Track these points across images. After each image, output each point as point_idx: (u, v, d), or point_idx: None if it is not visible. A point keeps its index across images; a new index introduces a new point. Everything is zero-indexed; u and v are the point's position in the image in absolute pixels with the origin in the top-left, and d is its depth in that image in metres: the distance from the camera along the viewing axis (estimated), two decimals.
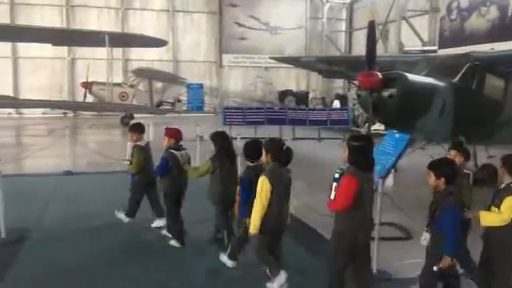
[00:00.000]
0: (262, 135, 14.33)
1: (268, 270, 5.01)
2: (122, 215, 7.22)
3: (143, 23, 30.63)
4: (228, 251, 5.62)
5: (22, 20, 27.94)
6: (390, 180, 8.22)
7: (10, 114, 27.84)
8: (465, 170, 5.19)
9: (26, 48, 28.06)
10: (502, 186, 4.57)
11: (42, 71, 29.55)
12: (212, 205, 6.23)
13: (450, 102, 8.50)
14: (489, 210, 4.56)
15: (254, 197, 4.83)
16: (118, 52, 28.65)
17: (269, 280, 4.98)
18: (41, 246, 6.39)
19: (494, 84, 9.16)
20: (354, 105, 21.72)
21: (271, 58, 23.89)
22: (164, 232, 6.73)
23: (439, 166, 4.35)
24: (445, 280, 4.46)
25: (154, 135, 11.38)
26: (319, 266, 5.00)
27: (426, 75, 8.95)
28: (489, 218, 4.49)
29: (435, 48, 22.79)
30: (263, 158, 4.97)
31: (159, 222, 7.03)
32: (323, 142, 18.09)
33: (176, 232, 6.45)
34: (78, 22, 29.62)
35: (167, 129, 6.70)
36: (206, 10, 32.75)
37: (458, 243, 4.24)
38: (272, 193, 4.71)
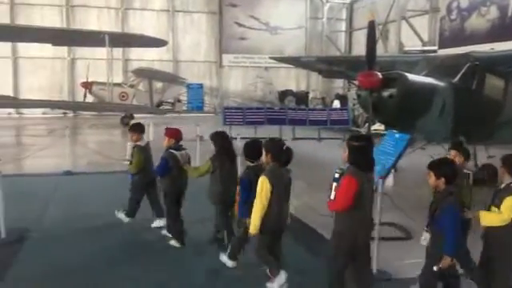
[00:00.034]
0: (262, 135, 14.34)
1: (268, 270, 5.01)
2: (122, 215, 7.22)
3: (143, 23, 30.64)
4: (228, 251, 5.62)
5: (22, 20, 27.94)
6: (390, 180, 8.23)
7: (10, 113, 27.84)
8: (465, 170, 5.19)
9: (26, 48, 28.06)
10: (502, 186, 4.57)
11: (42, 71, 29.56)
12: (212, 205, 6.23)
13: (450, 101, 8.50)
14: (489, 210, 4.56)
15: (254, 197, 4.83)
16: (118, 52, 28.65)
17: (269, 280, 4.98)
18: (41, 246, 6.39)
19: (494, 84, 9.16)
20: (353, 105, 21.73)
21: (271, 58, 23.89)
22: (164, 232, 6.73)
23: (439, 166, 4.35)
24: (445, 280, 4.46)
25: (154, 135, 11.37)
26: (319, 265, 5.00)
27: (426, 75, 8.95)
28: (489, 218, 4.49)
29: (435, 48, 22.79)
30: (263, 158, 4.97)
31: (159, 222, 7.04)
32: (323, 142, 18.09)
33: (176, 232, 6.45)
34: (77, 22, 29.62)
35: (167, 129, 6.69)
36: (206, 10, 32.76)
37: (458, 243, 4.24)
38: (272, 193, 4.71)
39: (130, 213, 7.22)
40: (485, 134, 9.24)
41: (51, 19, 28.57)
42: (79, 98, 27.95)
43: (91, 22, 29.27)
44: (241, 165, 6.57)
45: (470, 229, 4.91)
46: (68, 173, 11.08)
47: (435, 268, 4.13)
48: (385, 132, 8.83)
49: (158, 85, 29.25)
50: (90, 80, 26.57)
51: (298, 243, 6.48)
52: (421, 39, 25.48)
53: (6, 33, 21.96)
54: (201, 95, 30.25)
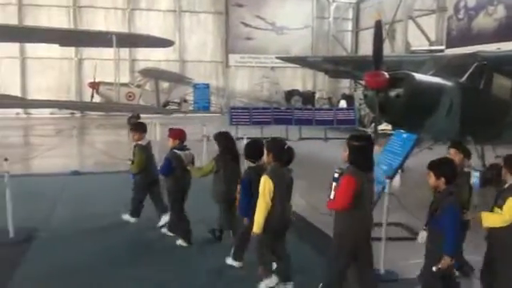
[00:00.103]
0: (269, 135, 14.35)
1: (260, 269, 5.02)
2: (127, 216, 7.27)
3: (150, 23, 30.73)
4: (232, 253, 5.63)
5: (30, 21, 28.13)
6: (396, 180, 8.20)
7: (18, 114, 28.02)
8: (465, 169, 5.15)
9: (34, 48, 28.25)
10: (506, 186, 4.54)
11: (49, 71, 29.72)
12: (215, 204, 6.26)
13: (458, 101, 8.45)
14: (492, 210, 4.53)
15: (255, 196, 4.84)
16: (124, 52, 28.77)
17: (261, 280, 4.99)
18: (49, 246, 6.43)
19: (501, 84, 9.10)
20: (360, 105, 21.68)
21: (277, 57, 23.89)
22: (164, 230, 6.76)
23: (439, 166, 4.34)
24: (445, 280, 4.43)
25: (161, 135, 11.41)
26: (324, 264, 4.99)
27: (433, 75, 8.91)
28: (491, 219, 4.46)
29: (442, 48, 22.70)
30: (265, 157, 4.97)
31: (164, 219, 7.04)
32: (329, 141, 18.06)
33: (183, 231, 6.48)
34: (85, 23, 29.76)
35: (171, 130, 6.73)
36: (213, 10, 32.81)
37: (458, 244, 4.22)
38: (274, 192, 4.71)
39: (135, 213, 7.26)
40: (492, 134, 9.18)
41: (58, 20, 28.76)
42: (86, 98, 28.13)
43: (98, 22, 29.39)
44: (243, 165, 6.59)
45: (467, 229, 4.89)
46: (75, 173, 11.14)
47: (434, 268, 4.11)
48: (392, 132, 8.81)
49: (165, 85, 29.39)
50: (97, 80, 26.77)
51: (303, 242, 6.50)
52: (428, 39, 25.38)
53: (14, 33, 22.13)
54: (207, 95, 30.30)
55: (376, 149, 8.01)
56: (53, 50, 26.09)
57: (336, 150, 4.59)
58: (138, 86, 28.20)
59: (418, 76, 8.28)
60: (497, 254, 4.51)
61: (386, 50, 16.22)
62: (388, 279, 5.28)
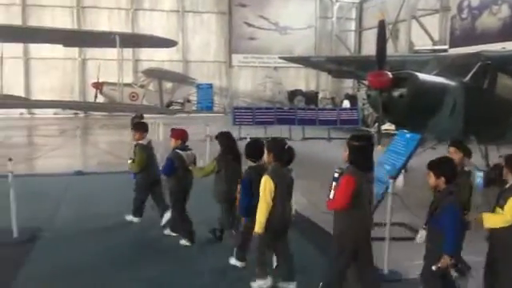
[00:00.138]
0: (272, 135, 14.35)
1: (257, 270, 5.03)
2: (130, 217, 7.30)
3: (153, 24, 30.78)
4: (235, 253, 5.64)
5: (34, 21, 28.22)
6: (400, 180, 8.19)
7: (21, 114, 28.11)
8: (465, 168, 5.13)
9: (38, 49, 28.31)
10: (507, 186, 4.52)
11: (53, 72, 29.81)
12: (217, 204, 6.28)
13: (461, 101, 8.43)
14: (494, 210, 4.51)
15: (255, 195, 4.85)
16: (128, 52, 28.81)
17: (255, 279, 5.01)
18: (53, 246, 6.44)
19: (505, 83, 9.08)
20: (363, 104, 21.66)
21: (281, 57, 23.89)
22: (167, 232, 6.76)
23: (439, 166, 4.33)
24: (445, 279, 4.42)
25: (164, 135, 11.43)
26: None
27: (437, 75, 8.89)
28: (492, 220, 4.44)
29: (446, 47, 22.63)
30: (265, 157, 4.98)
31: (166, 218, 7.04)
32: (333, 141, 18.05)
33: (185, 231, 6.49)
34: (88, 23, 29.84)
35: (173, 130, 6.75)
36: (216, 11, 32.83)
37: (458, 243, 4.22)
38: (275, 192, 4.72)
39: (137, 213, 7.29)
40: (496, 134, 9.16)
41: (62, 20, 28.85)
42: (90, 98, 28.21)
43: (102, 22, 29.45)
44: (244, 164, 6.60)
45: (468, 229, 4.87)
46: (79, 173, 11.16)
47: (434, 267, 4.11)
48: (395, 132, 8.80)
49: (168, 85, 29.45)
50: (100, 80, 26.82)
51: (306, 241, 6.51)
52: (431, 38, 25.32)
53: (17, 34, 22.17)
54: (210, 95, 30.31)
55: (379, 149, 8.02)
56: (56, 50, 26.14)
57: (339, 150, 4.59)
58: (142, 86, 28.25)
59: (422, 76, 8.27)
60: (498, 255, 4.49)
61: (390, 49, 16.22)
62: (391, 279, 5.27)
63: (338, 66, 16.20)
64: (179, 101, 29.39)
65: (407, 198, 6.30)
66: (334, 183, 4.40)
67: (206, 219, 6.70)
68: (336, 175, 4.41)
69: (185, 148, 6.56)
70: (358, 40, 34.63)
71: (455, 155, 5.08)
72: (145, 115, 23.78)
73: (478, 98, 8.58)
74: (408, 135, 7.10)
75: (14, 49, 27.09)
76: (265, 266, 5.00)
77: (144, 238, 6.83)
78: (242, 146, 6.23)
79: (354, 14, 35.13)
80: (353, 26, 35.18)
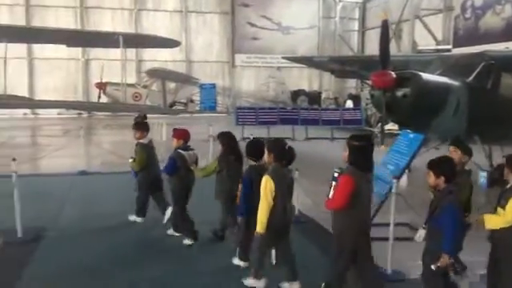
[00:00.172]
0: (275, 135, 14.35)
1: (252, 269, 5.05)
2: (133, 217, 7.33)
3: (156, 24, 30.83)
4: (238, 253, 5.65)
5: (37, 22, 28.33)
6: (404, 180, 8.18)
7: (25, 114, 28.21)
8: (466, 167, 5.12)
9: (41, 49, 28.44)
10: (508, 186, 4.51)
11: (56, 72, 29.89)
12: (219, 204, 6.28)
13: (465, 101, 8.43)
14: (495, 210, 4.51)
15: (255, 195, 4.86)
16: (131, 53, 28.87)
17: (249, 276, 5.03)
18: (57, 245, 6.46)
19: (509, 83, 9.06)
20: (366, 104, 21.64)
21: (284, 57, 23.91)
22: (170, 232, 6.78)
23: (438, 165, 4.34)
24: (446, 278, 4.42)
25: (167, 135, 11.45)
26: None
27: (440, 74, 8.89)
28: (493, 221, 4.43)
29: (449, 47, 22.61)
30: (266, 157, 4.98)
31: (168, 213, 7.09)
32: (336, 141, 18.02)
33: (188, 230, 6.52)
34: (92, 24, 29.90)
35: (175, 130, 6.79)
36: (219, 11, 32.86)
37: (457, 242, 4.22)
38: (275, 192, 4.73)
39: (140, 212, 7.32)
40: (500, 134, 9.14)
41: (66, 21, 28.93)
42: (93, 98, 28.29)
43: (105, 23, 29.51)
44: (246, 165, 6.61)
45: (469, 230, 4.87)
46: (83, 173, 11.19)
47: (433, 267, 4.11)
48: (399, 132, 8.79)
49: (171, 85, 29.49)
50: (104, 81, 26.90)
51: (309, 241, 6.51)
52: (435, 38, 25.29)
53: (21, 34, 22.28)
54: (213, 95, 30.35)
55: (382, 149, 8.02)
56: (60, 50, 26.25)
57: (342, 150, 4.59)
58: (145, 87, 28.32)
59: (425, 76, 8.27)
60: (501, 255, 4.49)
61: (393, 49, 16.19)
62: (395, 279, 5.27)
63: (341, 66, 16.23)
64: (182, 101, 29.45)
65: (411, 198, 6.29)
66: (333, 183, 4.42)
67: (208, 219, 6.70)
68: (336, 175, 4.43)
69: (187, 148, 6.59)
70: (361, 40, 34.61)
71: (455, 154, 5.07)
72: (148, 115, 23.95)
73: (482, 98, 8.57)
74: (411, 135, 7.08)
75: (17, 49, 27.21)
76: (262, 267, 5.01)
77: (147, 237, 6.85)
78: (244, 146, 6.25)
79: (357, 14, 35.10)
80: (356, 25, 35.16)
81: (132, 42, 23.99)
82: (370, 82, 8.80)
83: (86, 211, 8.10)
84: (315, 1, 34.17)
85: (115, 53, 24.85)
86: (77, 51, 29.36)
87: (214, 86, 30.63)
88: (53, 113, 27.59)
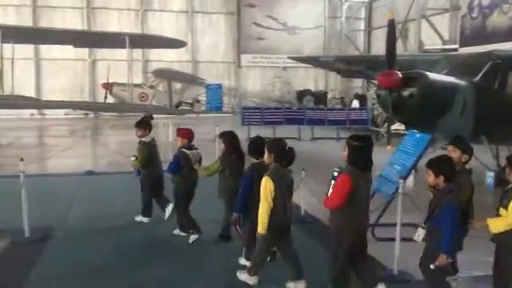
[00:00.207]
0: (281, 135, 14.33)
1: (249, 267, 5.06)
2: (140, 217, 7.37)
3: (162, 24, 30.92)
4: (244, 253, 5.65)
5: (44, 22, 28.50)
6: (410, 180, 8.16)
7: (32, 114, 28.37)
8: (466, 166, 5.10)
9: (48, 50, 28.58)
10: (510, 186, 4.49)
11: (63, 72, 30.05)
12: (222, 203, 6.29)
13: (471, 100, 8.39)
14: (497, 210, 4.48)
15: (255, 193, 4.88)
16: (137, 53, 28.98)
17: (245, 271, 5.06)
18: (64, 245, 6.49)
19: None
20: (373, 104, 21.59)
21: (289, 57, 23.89)
22: (176, 232, 6.79)
23: (438, 164, 4.36)
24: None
25: (173, 136, 11.48)
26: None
27: (447, 74, 8.86)
28: (497, 225, 4.40)
29: (456, 46, 22.52)
30: (266, 158, 4.99)
31: (169, 210, 7.17)
32: (342, 141, 17.95)
33: (190, 226, 6.56)
34: (98, 24, 30.04)
35: (179, 129, 6.85)
36: (224, 11, 32.90)
37: (456, 242, 4.21)
38: (275, 192, 4.74)
39: (146, 212, 7.36)
40: (507, 134, 9.09)
41: (72, 21, 29.08)
42: (100, 98, 28.40)
43: (111, 23, 29.65)
44: (247, 163, 6.62)
45: (470, 230, 4.85)
46: (90, 173, 11.23)
47: (432, 266, 4.11)
48: (405, 132, 8.76)
49: (178, 85, 29.56)
50: (110, 81, 27.00)
51: (315, 241, 6.49)
52: (441, 38, 25.19)
53: (28, 35, 22.40)
54: (219, 95, 30.38)
55: (388, 149, 8.00)
56: (67, 51, 26.36)
57: (342, 150, 4.60)
58: (151, 87, 28.40)
59: (432, 75, 8.24)
60: (502, 254, 4.48)
61: (399, 49, 16.14)
62: (401, 280, 5.25)
63: (347, 66, 16.20)
64: (188, 101, 29.51)
65: (417, 198, 6.27)
66: (332, 181, 4.46)
67: (212, 219, 6.72)
68: (335, 174, 4.48)
69: (191, 147, 6.64)
70: (367, 40, 34.53)
71: (453, 154, 5.06)
72: (154, 115, 24.02)
73: (489, 98, 8.54)
74: (418, 135, 7.06)
75: (24, 50, 27.39)
76: (260, 267, 5.03)
77: (154, 237, 6.86)
78: (246, 145, 6.26)
79: (363, 14, 35.03)
80: (362, 25, 35.09)
81: (138, 43, 24.05)
82: (376, 82, 8.78)
83: (93, 211, 8.14)
84: (321, 1, 34.14)
85: (121, 53, 24.92)
86: (83, 52, 29.51)
87: (220, 86, 30.66)
88: (60, 113, 27.73)
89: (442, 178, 4.27)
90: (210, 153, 6.72)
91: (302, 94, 31.70)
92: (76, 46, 24.85)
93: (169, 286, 5.31)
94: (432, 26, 25.63)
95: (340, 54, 29.29)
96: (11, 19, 26.90)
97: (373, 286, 4.66)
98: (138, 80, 28.62)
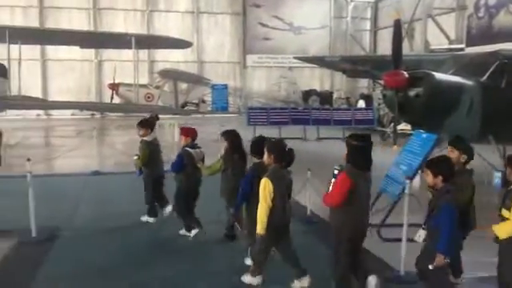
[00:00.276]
0: (287, 135, 14.35)
1: (251, 268, 5.07)
2: (145, 217, 7.40)
3: (168, 25, 31.00)
4: (249, 253, 5.66)
5: (51, 23, 28.66)
6: (416, 181, 8.13)
7: (38, 115, 28.49)
8: (467, 167, 5.08)
9: (55, 50, 28.71)
10: (511, 186, 4.46)
11: (70, 73, 30.20)
12: (224, 202, 6.32)
13: (478, 100, 8.36)
14: (499, 211, 4.45)
15: (254, 193, 4.89)
16: (143, 53, 29.06)
17: (247, 273, 5.06)
18: (72, 245, 6.51)
19: None
20: (379, 104, 21.54)
21: (295, 57, 23.89)
22: (182, 232, 6.81)
23: (436, 164, 4.38)
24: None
25: (179, 136, 11.50)
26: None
27: (454, 74, 8.82)
28: (503, 230, 4.37)
29: (462, 46, 22.42)
30: (265, 158, 4.99)
31: (168, 208, 7.26)
32: None
33: (192, 222, 6.59)
34: (104, 25, 30.16)
35: (182, 128, 6.93)
36: (230, 11, 32.94)
37: (454, 242, 4.20)
38: (274, 193, 4.76)
39: (151, 213, 7.41)
40: None
41: (79, 22, 29.20)
42: (106, 99, 28.50)
43: (118, 24, 29.77)
44: (249, 162, 6.62)
45: (472, 229, 4.83)
46: (96, 173, 11.28)
47: (430, 266, 4.12)
48: (411, 132, 8.74)
49: (183, 86, 29.59)
50: (116, 81, 27.08)
51: (320, 240, 6.48)
52: (447, 37, 25.09)
53: (35, 36, 22.51)
54: (225, 96, 30.40)
55: (395, 149, 7.97)
56: (73, 52, 26.48)
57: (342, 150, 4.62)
58: (157, 87, 28.46)
59: (438, 75, 8.22)
60: (505, 254, 4.46)
61: (405, 49, 16.08)
62: (408, 281, 5.23)
63: (353, 66, 16.18)
64: (194, 101, 29.55)
65: (424, 198, 6.25)
66: (333, 180, 4.50)
67: (216, 218, 6.73)
68: (336, 172, 4.52)
69: (194, 146, 6.68)
70: (373, 39, 34.46)
71: (452, 154, 5.04)
72: (160, 116, 24.07)
73: (496, 98, 8.49)
74: (424, 135, 7.03)
75: (31, 51, 27.55)
76: (262, 266, 5.04)
77: (159, 237, 6.88)
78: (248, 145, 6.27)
79: (369, 14, 34.96)
80: (368, 25, 35.02)
81: (144, 43, 24.10)
82: (382, 82, 8.76)
83: (100, 211, 8.17)
84: (327, 1, 34.10)
85: (127, 54, 25.02)
86: (90, 52, 29.63)
87: (225, 86, 30.68)
88: (66, 114, 27.86)
89: (440, 178, 4.28)
90: (214, 153, 6.72)
91: (307, 94, 31.66)
92: (82, 46, 24.94)
93: (174, 285, 5.32)
94: (438, 25, 25.53)
95: (346, 54, 29.26)
96: (18, 20, 27.10)
97: (364, 278, 4.66)
98: (144, 80, 28.70)
